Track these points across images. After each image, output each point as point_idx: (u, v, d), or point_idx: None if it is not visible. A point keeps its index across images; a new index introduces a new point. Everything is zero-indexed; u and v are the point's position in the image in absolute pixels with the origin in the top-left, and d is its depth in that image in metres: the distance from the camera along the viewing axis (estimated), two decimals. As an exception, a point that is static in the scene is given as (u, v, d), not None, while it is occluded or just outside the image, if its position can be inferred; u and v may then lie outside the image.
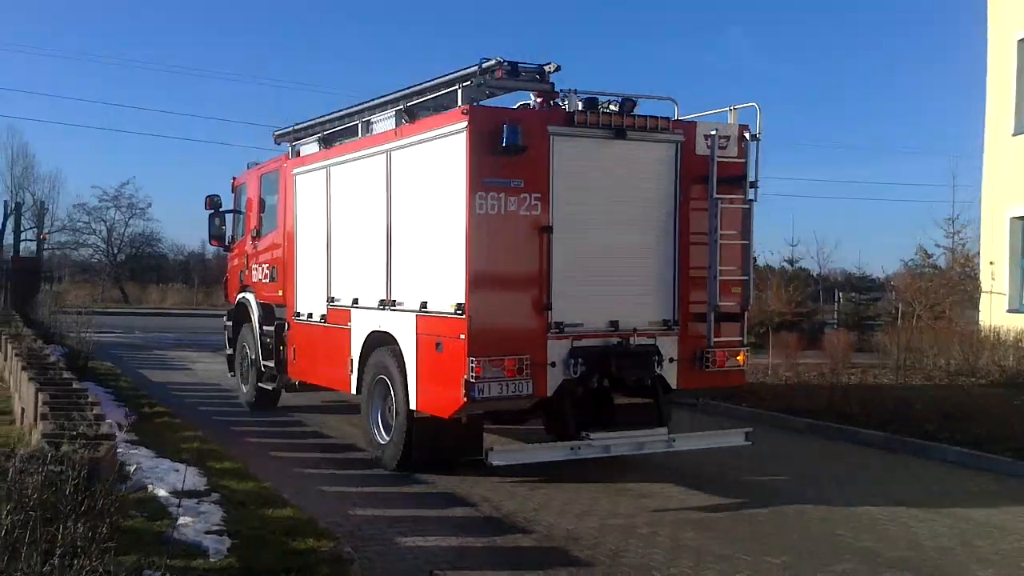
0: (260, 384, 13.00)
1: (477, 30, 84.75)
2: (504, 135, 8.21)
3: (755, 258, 11.23)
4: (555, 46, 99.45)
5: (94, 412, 6.86)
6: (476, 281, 8.32)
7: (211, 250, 48.18)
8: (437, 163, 8.90)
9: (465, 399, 8.24)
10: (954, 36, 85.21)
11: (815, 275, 36.16)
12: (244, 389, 13.77)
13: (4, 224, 62.45)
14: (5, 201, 62.13)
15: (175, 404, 13.19)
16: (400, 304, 9.44)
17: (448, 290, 8.58)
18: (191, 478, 7.51)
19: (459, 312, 8.34)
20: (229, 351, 14.31)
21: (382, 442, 9.73)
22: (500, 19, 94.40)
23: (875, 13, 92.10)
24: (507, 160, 8.35)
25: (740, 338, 9.56)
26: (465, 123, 8.33)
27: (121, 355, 20.87)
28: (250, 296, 13.51)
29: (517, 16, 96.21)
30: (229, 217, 14.60)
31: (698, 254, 9.25)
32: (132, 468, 7.82)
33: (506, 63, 8.65)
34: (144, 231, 60.88)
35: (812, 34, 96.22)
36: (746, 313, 9.60)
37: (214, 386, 15.92)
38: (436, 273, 8.85)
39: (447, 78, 9.14)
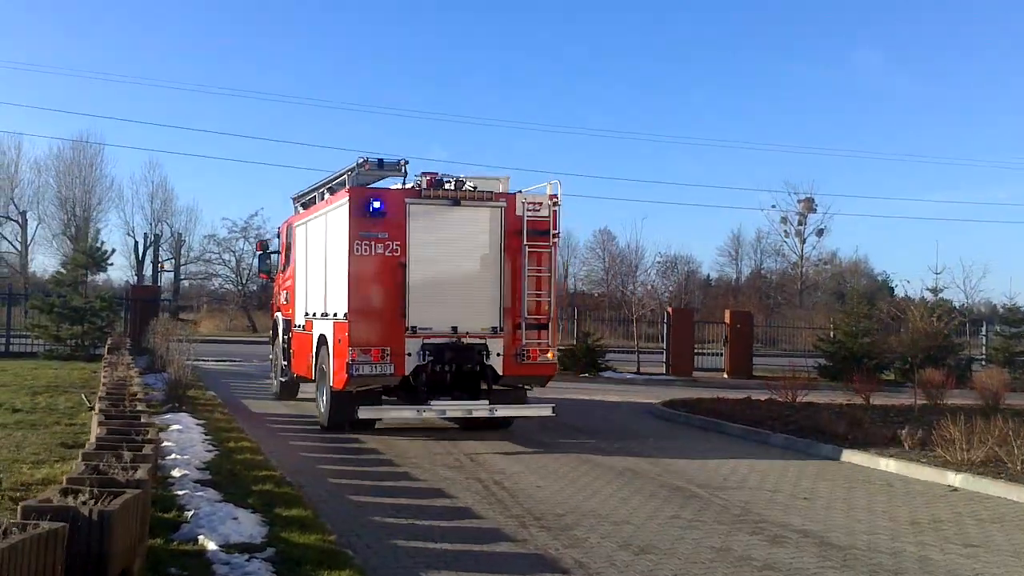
0: (282, 379, 17.68)
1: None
2: (371, 205, 12.85)
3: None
4: (694, 65, 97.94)
5: (143, 452, 6.03)
6: (354, 298, 12.95)
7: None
8: (337, 222, 13.64)
9: (347, 375, 12.76)
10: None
11: (959, 306, 33.68)
12: (273, 383, 18.46)
13: (144, 255, 65.20)
14: (145, 233, 65.14)
15: (265, 437, 12.66)
16: (329, 315, 13.97)
17: (343, 304, 13.17)
18: (251, 526, 6.74)
19: (345, 318, 13.01)
20: (271, 356, 18.75)
21: (321, 411, 14.20)
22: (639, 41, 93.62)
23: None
24: (375, 220, 12.86)
25: (547, 341, 13.69)
26: (347, 198, 13.14)
27: (230, 383, 20.65)
28: (279, 315, 18.36)
29: (654, 38, 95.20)
30: (276, 256, 19.08)
31: (515, 283, 13.52)
32: (190, 514, 7.07)
33: (374, 160, 13.61)
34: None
35: (952, 48, 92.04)
36: (550, 323, 13.75)
37: (312, 418, 15.27)
38: (339, 292, 13.38)
39: (346, 169, 14.03)
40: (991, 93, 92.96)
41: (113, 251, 34.51)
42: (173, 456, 9.42)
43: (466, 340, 13.29)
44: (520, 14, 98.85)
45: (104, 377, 11.64)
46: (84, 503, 4.58)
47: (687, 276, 66.83)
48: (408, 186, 13.58)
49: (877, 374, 22.69)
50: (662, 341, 31.64)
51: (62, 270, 25.51)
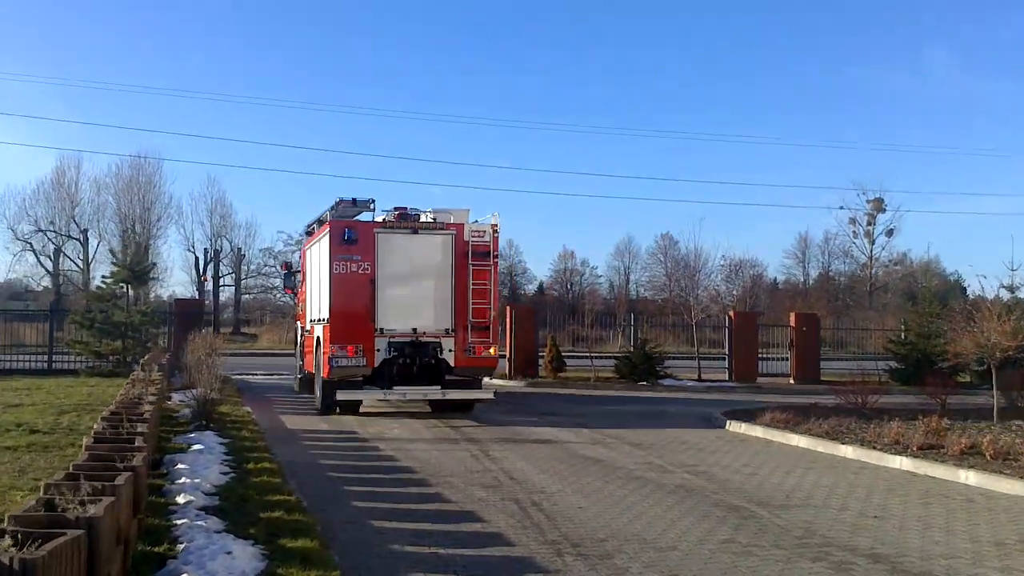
0: (299, 375, 21.26)
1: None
2: (346, 234, 16.24)
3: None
4: (759, 64, 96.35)
5: (114, 484, 5.34)
6: (334, 305, 16.37)
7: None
8: (323, 247, 17.11)
9: (329, 366, 16.15)
10: None
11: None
12: (294, 380, 22.23)
13: (204, 270, 65.77)
14: (205, 249, 65.73)
15: (292, 456, 12.03)
16: (320, 320, 17.42)
17: (327, 311, 16.61)
18: (245, 562, 6.09)
19: (328, 322, 16.49)
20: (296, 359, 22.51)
21: (317, 397, 17.65)
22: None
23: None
24: (350, 246, 16.23)
25: (489, 339, 16.96)
26: (328, 229, 16.64)
27: (272, 397, 20.18)
28: (298, 323, 22.44)
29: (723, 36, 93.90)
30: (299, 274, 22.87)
31: (463, 294, 16.80)
32: (181, 547, 6.39)
33: (348, 200, 17.04)
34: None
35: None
36: (491, 325, 17.00)
37: (349, 434, 14.67)
38: (325, 302, 16.81)
39: (329, 207, 17.65)
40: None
41: (154, 265, 34.62)
42: (183, 480, 8.78)
43: (424, 339, 16.83)
44: (579, 14, 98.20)
45: (121, 395, 11.08)
46: (6, 549, 3.89)
47: (753, 280, 65.47)
48: (379, 219, 17.17)
49: (952, 376, 21.39)
50: (725, 347, 30.53)
51: (102, 284, 25.27)
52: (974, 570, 7.36)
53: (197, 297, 57.14)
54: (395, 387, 16.48)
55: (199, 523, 7.11)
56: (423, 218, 17.20)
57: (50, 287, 60.86)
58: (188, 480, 8.75)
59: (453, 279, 16.84)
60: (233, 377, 24.87)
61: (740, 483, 11.16)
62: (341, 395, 16.42)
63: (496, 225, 17.12)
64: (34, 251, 61.45)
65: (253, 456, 10.90)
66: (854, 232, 71.49)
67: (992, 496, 10.60)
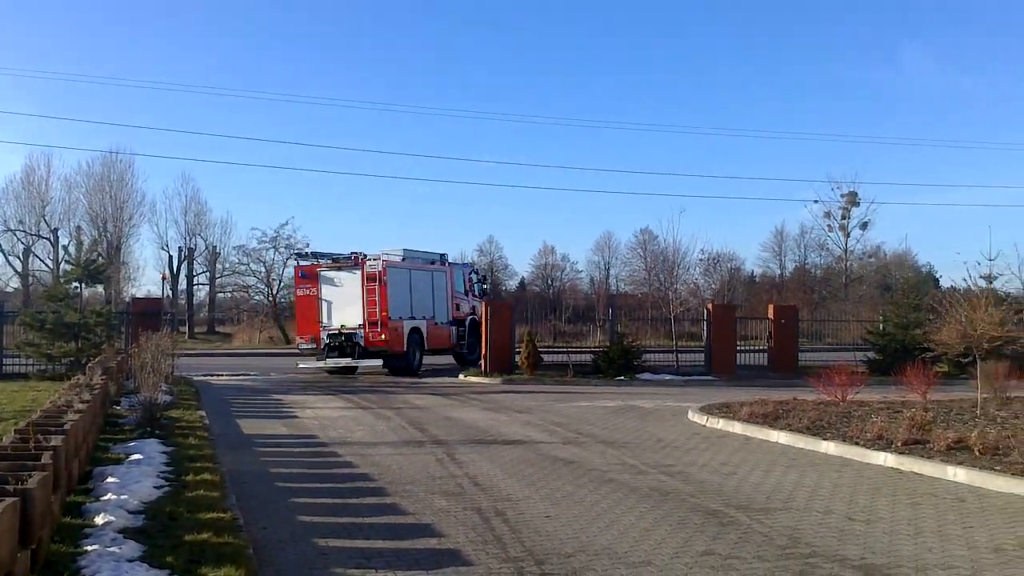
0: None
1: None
2: (302, 273, 27.83)
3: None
4: (731, 66, 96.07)
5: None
6: (297, 315, 28.60)
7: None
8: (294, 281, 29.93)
9: (299, 350, 28.00)
10: None
11: (1014, 295, 31.46)
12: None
13: (178, 270, 64.53)
14: (179, 247, 64.50)
15: (239, 465, 11.28)
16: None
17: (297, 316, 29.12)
18: (158, 596, 5.22)
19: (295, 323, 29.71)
20: None
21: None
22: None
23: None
24: (305, 279, 27.55)
25: (380, 330, 26.05)
26: (294, 270, 29.61)
27: (232, 400, 19.43)
28: None
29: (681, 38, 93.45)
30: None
31: (368, 302, 26.23)
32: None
33: (308, 252, 30.69)
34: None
35: (995, 39, 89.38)
36: (380, 322, 26.06)
37: (308, 439, 13.90)
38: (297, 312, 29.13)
39: (296, 254, 32.94)
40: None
41: (110, 263, 33.83)
42: (108, 496, 7.94)
43: (345, 331, 26.62)
44: (546, 13, 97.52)
45: (50, 403, 10.23)
46: None
47: (731, 273, 65.24)
48: (326, 263, 27.38)
49: (931, 367, 20.87)
50: (704, 340, 29.97)
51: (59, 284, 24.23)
52: (974, 582, 6.74)
53: (170, 296, 56.24)
54: (329, 359, 26.72)
55: (112, 549, 6.30)
56: (351, 259, 27.12)
57: (19, 288, 59.40)
58: (114, 496, 7.92)
59: (364, 295, 26.35)
60: (195, 378, 24.09)
61: (718, 484, 10.51)
62: (302, 363, 27.64)
63: (385, 260, 27.08)
64: (3, 251, 60.15)
65: (195, 466, 10.05)
66: (829, 225, 71.78)
67: (984, 495, 10.00)
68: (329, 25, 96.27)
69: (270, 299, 59.45)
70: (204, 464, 10.28)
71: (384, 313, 26.01)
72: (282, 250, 58.67)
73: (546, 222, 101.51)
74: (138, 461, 9.94)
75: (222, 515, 7.72)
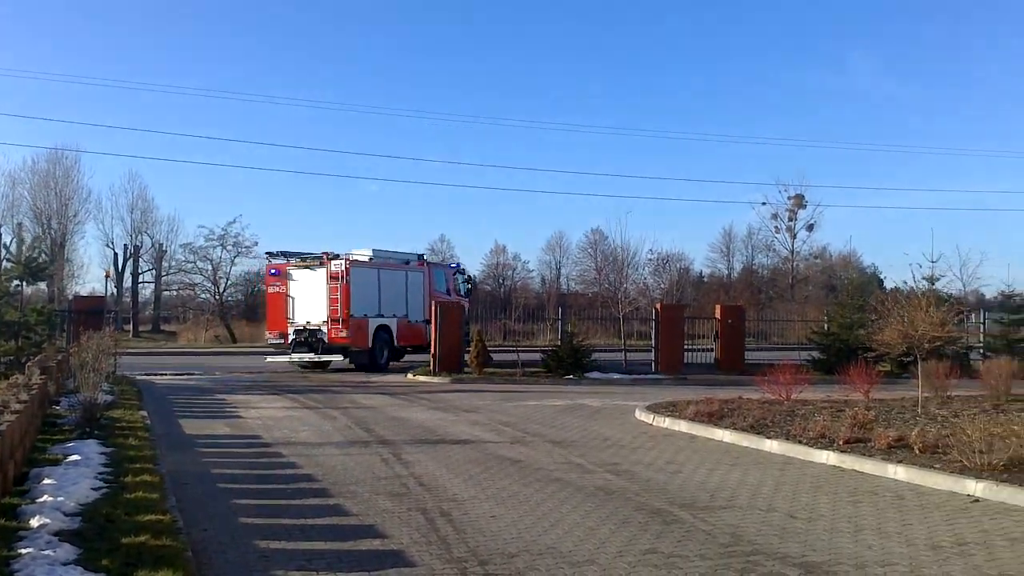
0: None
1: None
2: (273, 271, 29.23)
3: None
4: (685, 68, 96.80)
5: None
6: (268, 311, 30.04)
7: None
8: (264, 279, 33.46)
9: (270, 344, 29.56)
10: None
11: (954, 296, 32.10)
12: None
13: (123, 267, 63.43)
14: (125, 245, 63.40)
15: (182, 466, 11.12)
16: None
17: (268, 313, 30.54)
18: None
19: (266, 318, 30.61)
20: None
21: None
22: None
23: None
24: (276, 277, 28.88)
25: (341, 327, 27.14)
26: (266, 268, 30.98)
27: (175, 400, 19.16)
28: None
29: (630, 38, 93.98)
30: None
31: (331, 300, 27.32)
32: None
33: (279, 252, 29.54)
34: (260, 270, 60.68)
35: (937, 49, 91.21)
36: (341, 319, 27.10)
37: (252, 439, 13.73)
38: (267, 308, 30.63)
39: (267, 253, 31.56)
40: (977, 90, 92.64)
41: (53, 261, 33.29)
42: (44, 498, 7.76)
43: (310, 327, 27.79)
44: (495, 11, 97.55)
45: (-13, 402, 9.99)
46: None
47: (680, 273, 65.87)
48: (294, 262, 28.44)
49: (874, 366, 21.23)
50: (652, 339, 30.17)
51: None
52: (912, 580, 6.85)
53: (114, 294, 55.21)
54: (295, 353, 27.91)
55: (47, 552, 6.16)
56: (317, 258, 28.04)
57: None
58: (50, 498, 7.74)
59: (328, 293, 27.39)
60: (138, 377, 23.73)
61: (663, 483, 10.58)
62: (270, 359, 28.98)
63: (349, 260, 27.87)
64: (-56, 249, 58.52)
65: (135, 467, 9.87)
66: (776, 227, 72.93)
67: (923, 492, 10.18)
68: (280, 23, 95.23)
69: (217, 297, 58.77)
70: (144, 465, 10.11)
71: (346, 311, 27.05)
72: (230, 248, 58.19)
73: (498, 222, 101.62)
74: (76, 462, 9.74)
75: (161, 517, 7.59)
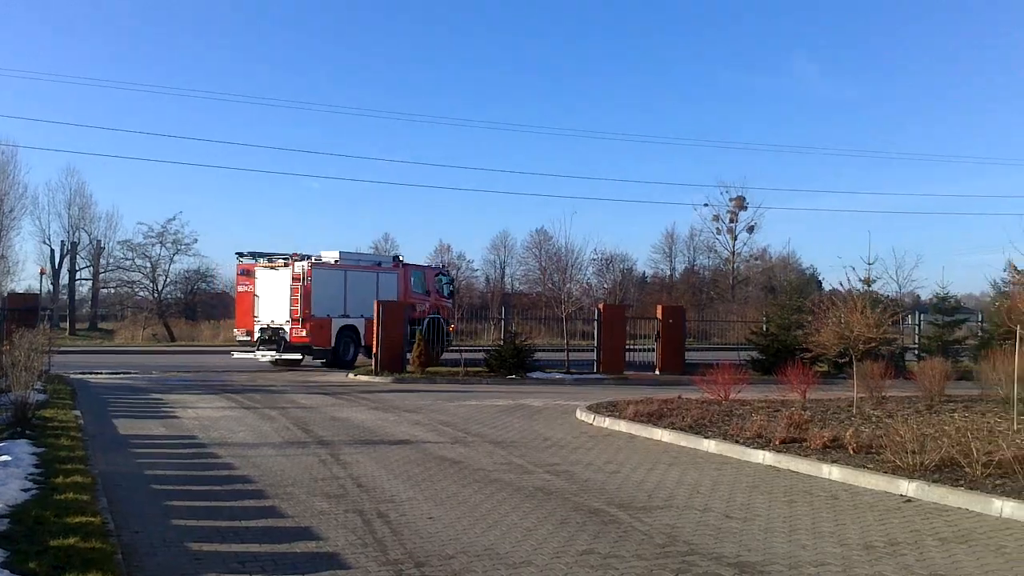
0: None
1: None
2: (242, 270, 30.24)
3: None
4: (627, 69, 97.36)
5: None
6: (237, 309, 31.17)
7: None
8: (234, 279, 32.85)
9: (237, 341, 30.90)
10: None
11: (890, 297, 32.76)
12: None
13: (60, 264, 62.06)
14: (62, 241, 62.03)
15: (115, 467, 10.90)
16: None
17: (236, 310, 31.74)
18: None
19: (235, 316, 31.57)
20: None
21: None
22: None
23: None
24: (245, 277, 30.15)
25: (300, 327, 28.12)
26: (236, 267, 30.78)
27: (109, 399, 18.78)
28: None
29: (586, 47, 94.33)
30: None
31: (292, 300, 28.38)
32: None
33: (248, 253, 30.35)
34: (200, 267, 59.86)
35: (881, 54, 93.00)
36: (302, 319, 28.10)
37: (187, 439, 13.52)
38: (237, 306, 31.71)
39: (237, 253, 31.59)
40: (915, 93, 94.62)
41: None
42: (-31, 501, 7.59)
43: (274, 326, 28.78)
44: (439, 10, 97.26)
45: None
46: None
47: (623, 274, 66.28)
48: (262, 262, 29.51)
49: (811, 367, 21.56)
50: (595, 339, 30.32)
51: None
52: (844, 580, 6.97)
53: (50, 291, 54.04)
54: (259, 351, 28.77)
55: (-31, 556, 6.02)
56: (283, 260, 29.04)
57: None
58: (-25, 501, 7.57)
59: (290, 293, 28.24)
60: (73, 376, 23.23)
61: (602, 483, 10.64)
62: (236, 355, 30.15)
63: (312, 262, 28.82)
64: None
65: (66, 468, 9.66)
66: (718, 228, 73.86)
67: (856, 492, 10.36)
68: (222, 19, 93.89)
69: (156, 295, 57.82)
70: (76, 466, 9.90)
71: (307, 311, 28.14)
72: (169, 245, 57.26)
73: (442, 220, 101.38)
74: (5, 463, 9.51)
75: (91, 519, 7.44)
